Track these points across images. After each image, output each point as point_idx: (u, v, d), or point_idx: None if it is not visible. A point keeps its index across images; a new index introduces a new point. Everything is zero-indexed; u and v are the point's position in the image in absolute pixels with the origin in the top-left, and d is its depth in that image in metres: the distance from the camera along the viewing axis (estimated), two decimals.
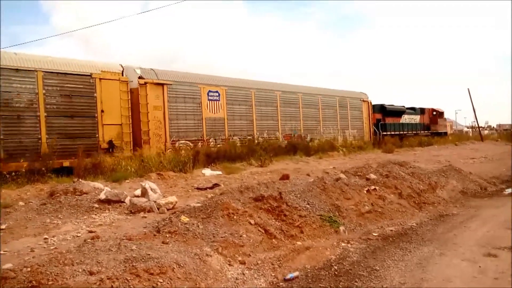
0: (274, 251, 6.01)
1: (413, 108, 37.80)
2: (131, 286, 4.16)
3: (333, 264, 5.74)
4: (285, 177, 11.09)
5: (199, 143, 18.25)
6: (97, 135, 15.12)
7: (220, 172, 14.41)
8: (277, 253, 5.96)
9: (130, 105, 16.09)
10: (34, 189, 10.56)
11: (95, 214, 7.95)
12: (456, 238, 6.83)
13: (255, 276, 5.23)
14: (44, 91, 13.90)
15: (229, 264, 5.35)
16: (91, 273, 4.27)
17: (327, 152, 21.90)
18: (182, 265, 4.74)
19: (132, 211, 8.13)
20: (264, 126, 22.10)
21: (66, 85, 14.45)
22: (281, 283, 5.11)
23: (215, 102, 19.49)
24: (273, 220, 6.79)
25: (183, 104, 18.17)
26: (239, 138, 20.24)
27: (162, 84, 17.29)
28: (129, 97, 16.10)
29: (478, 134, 45.57)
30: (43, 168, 12.17)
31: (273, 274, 5.34)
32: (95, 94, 15.11)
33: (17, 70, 13.45)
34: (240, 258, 5.55)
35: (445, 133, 43.11)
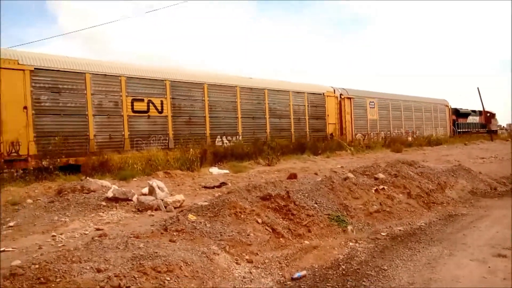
0: (281, 250, 5.99)
1: (474, 111, 45.40)
2: (139, 284, 4.16)
3: (341, 263, 5.70)
4: (292, 176, 11.07)
5: (367, 136, 28.25)
6: (326, 129, 25.39)
7: (227, 171, 14.41)
8: (285, 252, 5.94)
9: (339, 111, 26.37)
10: (42, 186, 10.61)
11: (103, 212, 7.96)
12: (465, 238, 6.76)
13: (262, 275, 5.21)
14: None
15: (236, 263, 5.34)
16: (98, 271, 4.27)
17: (335, 151, 21.82)
18: (189, 263, 4.73)
19: (140, 209, 8.13)
20: (394, 124, 31.98)
21: (312, 99, 24.55)
22: (288, 282, 5.08)
23: (372, 108, 29.32)
24: (281, 219, 6.77)
25: (362, 111, 28.38)
26: (383, 132, 30.36)
27: (350, 98, 27.20)
28: (338, 106, 26.23)
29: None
30: None
31: (280, 273, 5.31)
32: (325, 105, 25.23)
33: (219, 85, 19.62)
34: (247, 257, 5.53)
35: (496, 131, 49.58)
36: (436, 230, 7.42)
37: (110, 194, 8.76)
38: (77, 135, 14.42)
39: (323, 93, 25.14)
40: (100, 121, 15.04)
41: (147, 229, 6.30)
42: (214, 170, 14.42)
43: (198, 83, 18.49)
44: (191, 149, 15.17)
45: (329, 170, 14.17)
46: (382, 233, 7.15)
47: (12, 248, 5.81)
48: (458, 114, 42.54)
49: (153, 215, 7.71)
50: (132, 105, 15.96)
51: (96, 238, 5.63)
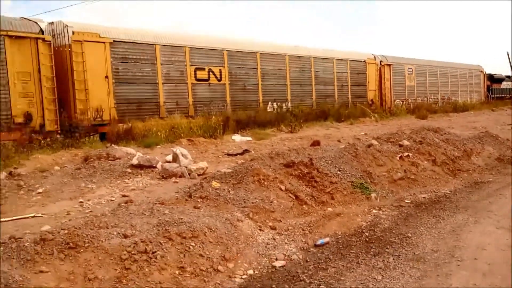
0: (304, 217, 6.02)
1: (509, 76, 44.38)
2: (164, 249, 4.24)
3: (364, 230, 5.71)
4: (315, 143, 11.01)
5: (405, 101, 28.70)
6: (367, 96, 25.99)
7: (250, 138, 14.42)
8: (308, 219, 5.97)
9: (379, 77, 26.85)
10: (68, 154, 10.79)
11: (128, 179, 8.09)
12: (491, 206, 6.67)
13: (285, 242, 5.26)
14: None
15: (260, 229, 5.39)
16: (125, 236, 4.36)
17: (359, 118, 21.58)
18: (213, 229, 4.79)
19: (164, 176, 8.23)
20: (431, 90, 32.25)
21: (354, 66, 24.97)
22: (311, 249, 5.12)
23: (410, 75, 29.70)
24: (304, 186, 6.78)
25: (400, 77, 28.76)
26: (420, 98, 30.43)
27: (390, 65, 27.59)
28: (377, 73, 26.67)
29: None
30: None
31: (303, 240, 5.35)
32: (366, 72, 25.68)
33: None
34: (270, 224, 5.58)
35: None
36: (461, 198, 7.34)
37: (135, 161, 8.88)
38: (149, 101, 15.61)
39: (364, 60, 25.62)
40: (168, 88, 16.16)
41: (171, 195, 6.39)
42: (237, 137, 14.45)
43: (252, 52, 19.35)
44: (214, 117, 15.22)
45: (353, 137, 14.06)
46: (406, 201, 7.11)
47: (42, 214, 5.97)
48: (492, 79, 42.62)
49: (177, 182, 7.80)
50: (195, 74, 17.03)
51: (122, 204, 5.73)
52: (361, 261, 4.71)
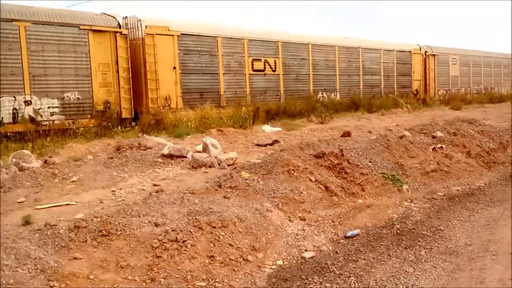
0: (334, 209, 5.98)
1: None
2: (195, 238, 4.28)
3: (395, 223, 5.63)
4: (346, 134, 10.89)
5: (448, 92, 28.15)
6: (411, 86, 25.90)
7: (279, 129, 14.37)
8: (338, 210, 5.93)
9: (423, 67, 26.55)
10: (101, 143, 10.98)
11: (159, 169, 8.17)
12: None
13: (315, 233, 5.24)
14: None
15: (289, 220, 5.38)
16: (156, 225, 4.42)
17: (390, 109, 21.19)
18: (243, 219, 4.81)
19: (194, 166, 8.29)
20: (474, 81, 31.68)
21: (400, 56, 24.99)
22: (341, 240, 5.09)
23: (454, 65, 29.18)
24: (334, 178, 6.72)
25: (445, 67, 28.30)
26: (464, 89, 30.15)
27: (434, 55, 27.25)
28: (422, 63, 26.46)
29: None
30: None
31: (333, 231, 5.32)
32: (411, 63, 25.69)
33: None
34: (300, 215, 5.56)
35: None
36: (496, 191, 7.16)
37: (166, 151, 8.96)
38: (211, 91, 16.34)
39: (410, 51, 25.77)
40: (228, 79, 16.88)
41: (201, 185, 6.44)
42: (267, 128, 14.42)
43: (304, 43, 19.89)
44: (244, 107, 15.24)
45: (384, 128, 13.84)
46: (439, 193, 6.98)
47: (75, 202, 6.10)
48: None
49: (207, 172, 7.85)
50: (252, 65, 17.71)
51: (153, 193, 5.80)
52: (392, 254, 4.66)
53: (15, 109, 11.82)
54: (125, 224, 4.35)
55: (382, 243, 4.95)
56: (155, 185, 6.92)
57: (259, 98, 17.52)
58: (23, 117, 11.83)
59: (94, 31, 13.02)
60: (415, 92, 25.87)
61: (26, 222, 4.69)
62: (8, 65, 11.63)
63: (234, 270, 4.17)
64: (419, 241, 4.99)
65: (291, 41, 19.25)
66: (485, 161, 8.84)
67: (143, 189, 6.68)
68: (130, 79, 13.86)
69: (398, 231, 5.32)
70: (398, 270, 4.24)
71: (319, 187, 6.30)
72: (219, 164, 8.32)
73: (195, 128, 13.33)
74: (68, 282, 3.59)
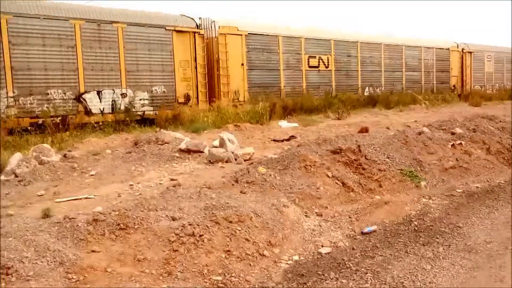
0: (351, 204, 5.95)
1: None
2: (211, 233, 4.30)
3: (413, 219, 5.58)
4: (363, 130, 10.81)
5: (483, 88, 28.72)
6: (449, 81, 26.87)
7: (296, 124, 14.32)
8: (355, 206, 5.89)
9: (460, 64, 27.48)
10: (119, 138, 11.08)
11: (176, 163, 8.21)
12: None
13: (332, 228, 5.22)
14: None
15: (306, 216, 5.37)
16: (173, 219, 4.45)
17: (408, 105, 20.98)
18: (259, 214, 4.81)
19: (211, 161, 8.31)
20: (508, 77, 31.94)
21: (439, 53, 26.00)
22: (358, 236, 5.07)
23: (488, 62, 29.59)
24: (351, 173, 6.68)
25: (480, 64, 29.05)
26: (498, 84, 30.74)
27: (471, 52, 27.97)
28: (460, 60, 27.51)
29: None
30: None
31: (350, 227, 5.29)
32: (450, 59, 26.72)
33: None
34: (317, 210, 5.55)
35: None
36: None
37: (183, 146, 9.00)
38: (273, 86, 17.92)
39: (448, 48, 26.81)
40: (287, 74, 18.41)
41: (218, 180, 6.45)
42: (283, 123, 14.38)
43: (353, 41, 21.31)
44: (261, 102, 15.24)
45: (402, 125, 13.71)
46: (458, 190, 6.89)
47: (94, 195, 6.17)
48: None
49: (224, 167, 7.86)
50: (308, 61, 19.19)
51: (170, 188, 5.84)
52: (410, 250, 4.62)
53: (114, 101, 13.43)
54: (143, 218, 4.39)
55: (400, 240, 4.91)
56: (172, 179, 6.95)
57: (313, 93, 18.87)
58: (119, 108, 13.44)
59: (177, 31, 14.71)
60: (452, 88, 27.17)
61: (46, 215, 4.75)
62: (109, 62, 13.25)
63: (250, 265, 4.18)
64: (437, 238, 4.94)
65: (342, 39, 20.66)
66: (505, 158, 8.70)
67: (160, 183, 6.72)
68: (206, 75, 15.58)
69: (416, 228, 5.28)
70: (416, 267, 4.20)
71: (336, 183, 6.27)
72: (235, 159, 8.33)
73: (212, 123, 13.37)
74: (86, 274, 3.63)
